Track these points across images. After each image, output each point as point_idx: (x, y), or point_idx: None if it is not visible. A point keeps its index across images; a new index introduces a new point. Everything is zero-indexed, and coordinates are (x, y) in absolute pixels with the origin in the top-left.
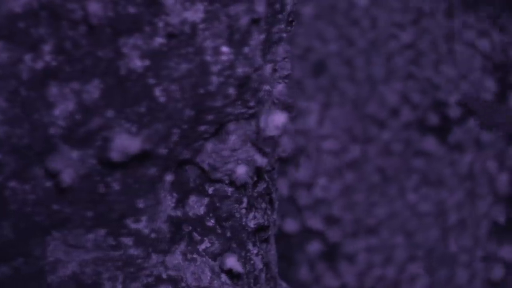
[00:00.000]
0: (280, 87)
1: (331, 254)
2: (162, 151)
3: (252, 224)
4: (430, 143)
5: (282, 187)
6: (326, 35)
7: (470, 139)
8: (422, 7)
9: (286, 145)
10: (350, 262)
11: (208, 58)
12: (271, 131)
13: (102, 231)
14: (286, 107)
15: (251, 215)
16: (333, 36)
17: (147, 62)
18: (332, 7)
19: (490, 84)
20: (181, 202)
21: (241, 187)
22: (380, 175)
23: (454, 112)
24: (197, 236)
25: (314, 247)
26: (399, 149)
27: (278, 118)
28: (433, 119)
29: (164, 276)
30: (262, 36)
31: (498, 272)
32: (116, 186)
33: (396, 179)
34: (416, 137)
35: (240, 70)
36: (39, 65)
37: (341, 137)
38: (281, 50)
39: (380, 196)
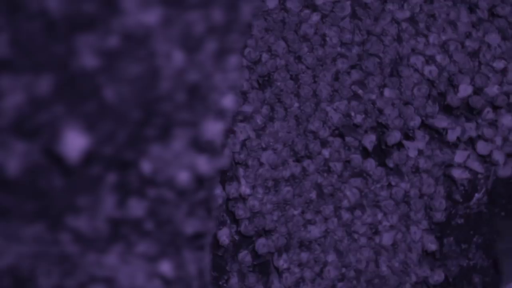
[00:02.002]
0: (228, 97)
1: (262, 266)
2: (107, 150)
3: (189, 230)
4: (369, 165)
5: (219, 196)
6: (275, 49)
7: (408, 164)
8: (372, 29)
9: (226, 155)
10: (280, 275)
11: (160, 62)
12: (216, 140)
13: (41, 226)
14: (231, 118)
15: (189, 222)
16: (282, 50)
17: (99, 61)
18: (283, 22)
19: (434, 110)
20: (121, 203)
21: (181, 193)
22: (317, 192)
23: (394, 136)
24: (134, 238)
25: (246, 258)
26: (338, 168)
27: (223, 128)
28: (374, 141)
29: (99, 275)
30: (216, 45)
31: None
32: (58, 182)
33: (332, 198)
34: (356, 158)
35: (190, 77)
36: None
37: (282, 151)
38: (232, 60)
39: (315, 212)
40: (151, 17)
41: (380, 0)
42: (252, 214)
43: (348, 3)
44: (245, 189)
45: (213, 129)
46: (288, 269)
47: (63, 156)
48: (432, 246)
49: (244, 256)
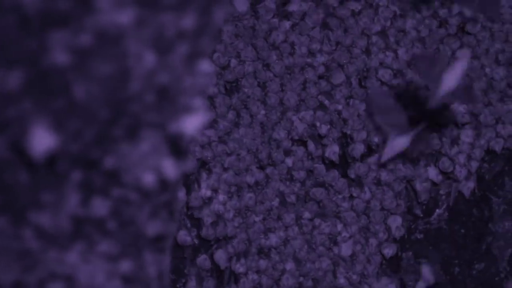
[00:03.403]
0: (196, 101)
1: (220, 271)
2: (74, 148)
3: (151, 232)
4: (331, 176)
5: (182, 199)
6: (244, 55)
7: (370, 177)
8: (342, 41)
9: (191, 159)
10: (238, 281)
11: (131, 62)
12: (182, 143)
13: (3, 220)
14: (200, 121)
15: (151, 223)
16: (250, 57)
17: (70, 58)
18: (253, 28)
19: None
20: (85, 201)
21: (145, 194)
22: (279, 200)
23: (357, 148)
24: (96, 238)
25: (205, 262)
26: (301, 177)
27: (191, 130)
28: (337, 152)
29: (59, 272)
30: (187, 48)
31: None
32: (23, 177)
33: (294, 206)
34: (319, 168)
35: (160, 78)
36: None
37: (246, 157)
38: (202, 64)
39: (276, 220)
40: (125, 17)
41: (352, 12)
42: (213, 218)
43: (320, 12)
44: (207, 194)
45: (180, 132)
46: (245, 274)
47: (30, 152)
48: (390, 259)
49: (203, 260)
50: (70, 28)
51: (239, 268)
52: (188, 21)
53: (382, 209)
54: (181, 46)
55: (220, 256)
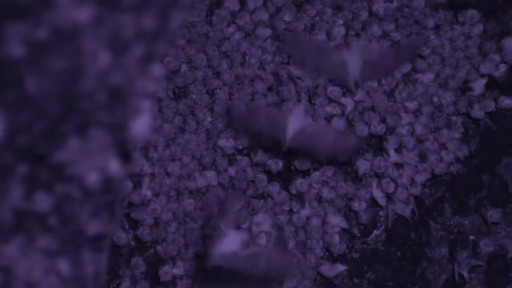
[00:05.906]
0: (146, 103)
1: (155, 274)
2: (21, 141)
3: (91, 231)
4: (273, 188)
5: (123, 200)
6: (195, 61)
7: (311, 193)
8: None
9: (136, 161)
10: (173, 284)
11: (86, 60)
12: (129, 144)
13: None
14: (147, 124)
15: (92, 222)
16: (201, 63)
17: (26, 51)
18: (206, 35)
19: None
20: (28, 195)
21: (89, 193)
22: (219, 208)
23: (301, 163)
24: (36, 232)
25: (139, 264)
26: (242, 187)
27: (138, 132)
28: (281, 165)
29: None
30: (142, 50)
31: None
32: None
33: (234, 215)
34: (261, 179)
35: (114, 79)
36: None
37: (189, 163)
38: (155, 67)
39: (215, 228)
40: (83, 14)
41: (306, 27)
42: (151, 221)
43: (269, 27)
44: (148, 197)
45: (127, 133)
46: (180, 278)
47: None
48: (328, 275)
49: (138, 262)
50: (28, 21)
51: (176, 271)
52: (146, 23)
53: (322, 225)
54: (137, 47)
55: (154, 259)
